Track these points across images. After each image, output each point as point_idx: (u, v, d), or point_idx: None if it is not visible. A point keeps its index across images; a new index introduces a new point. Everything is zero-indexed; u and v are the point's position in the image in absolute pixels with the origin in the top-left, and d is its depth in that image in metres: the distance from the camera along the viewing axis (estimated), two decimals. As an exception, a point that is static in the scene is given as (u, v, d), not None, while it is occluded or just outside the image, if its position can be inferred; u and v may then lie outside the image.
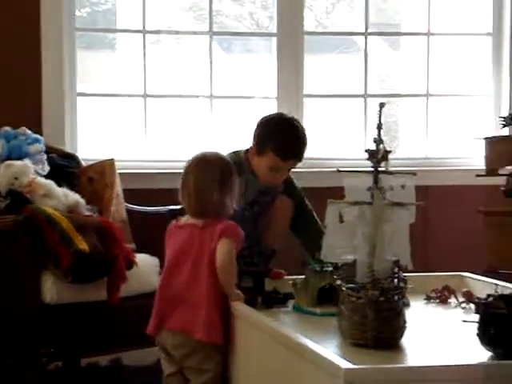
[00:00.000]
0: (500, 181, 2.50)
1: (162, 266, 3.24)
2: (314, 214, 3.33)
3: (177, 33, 4.61)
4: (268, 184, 3.20)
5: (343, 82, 5.07)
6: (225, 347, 2.62)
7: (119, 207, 3.60)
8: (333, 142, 4.83)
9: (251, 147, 3.21)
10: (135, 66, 4.21)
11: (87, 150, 4.12)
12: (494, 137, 2.51)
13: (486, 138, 2.39)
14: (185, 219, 2.70)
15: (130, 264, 3.22)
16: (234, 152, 3.30)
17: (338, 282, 2.39)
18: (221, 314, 2.61)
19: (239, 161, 3.21)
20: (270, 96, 4.24)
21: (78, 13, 4.19)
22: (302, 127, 3.24)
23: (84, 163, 3.80)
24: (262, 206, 3.27)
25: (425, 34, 4.38)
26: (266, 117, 3.31)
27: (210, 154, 2.76)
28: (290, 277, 2.94)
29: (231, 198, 2.69)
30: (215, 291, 2.60)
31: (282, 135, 3.15)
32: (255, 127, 3.23)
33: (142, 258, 3.29)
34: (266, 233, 3.26)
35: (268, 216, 3.27)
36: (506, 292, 2.25)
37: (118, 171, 3.66)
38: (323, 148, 4.43)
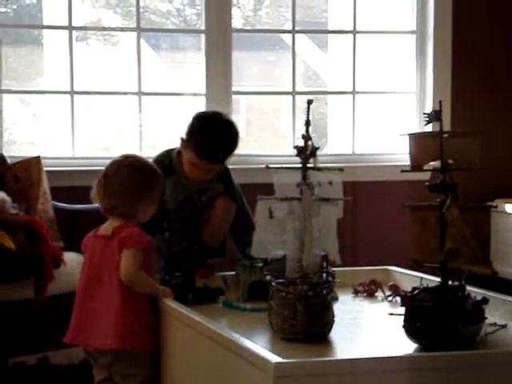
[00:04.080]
0: (425, 176, 2.55)
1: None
2: (251, 216, 3.30)
3: (104, 29, 4.57)
4: (191, 178, 3.18)
5: (271, 79, 5.10)
6: (151, 351, 2.61)
7: (46, 205, 3.55)
8: (262, 139, 4.85)
9: (181, 140, 3.19)
10: (62, 63, 4.16)
11: (13, 147, 4.05)
12: (419, 133, 2.56)
13: (410, 135, 2.44)
14: (103, 228, 2.69)
15: (58, 262, 3.19)
16: (166, 151, 3.27)
17: (268, 278, 2.41)
18: (140, 322, 2.58)
19: (170, 160, 3.20)
20: (198, 93, 4.24)
21: (3, 9, 4.11)
22: (232, 132, 3.18)
23: (10, 161, 3.74)
24: (198, 205, 3.25)
25: (351, 32, 4.43)
26: (201, 112, 3.30)
27: (133, 158, 2.76)
28: (221, 273, 2.94)
29: (148, 205, 2.67)
30: (129, 301, 2.57)
31: (204, 134, 3.12)
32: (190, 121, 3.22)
33: (69, 257, 3.26)
34: (203, 232, 3.23)
35: (207, 216, 3.24)
36: (431, 285, 2.30)
37: (45, 169, 3.61)
38: (252, 144, 4.45)
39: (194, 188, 3.22)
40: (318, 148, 2.39)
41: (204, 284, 2.84)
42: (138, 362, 2.60)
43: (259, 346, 2.07)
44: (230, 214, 3.24)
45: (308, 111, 2.40)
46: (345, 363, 1.99)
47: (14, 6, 4.17)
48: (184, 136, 3.18)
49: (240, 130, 3.28)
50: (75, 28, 4.16)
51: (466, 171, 2.34)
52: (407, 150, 2.43)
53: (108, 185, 2.64)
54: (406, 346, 2.22)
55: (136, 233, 2.61)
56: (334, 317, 2.36)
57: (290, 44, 4.37)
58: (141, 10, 4.21)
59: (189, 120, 3.22)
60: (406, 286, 2.73)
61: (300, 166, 2.38)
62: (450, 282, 2.28)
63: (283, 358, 1.95)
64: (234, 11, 4.36)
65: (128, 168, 2.67)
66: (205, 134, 3.12)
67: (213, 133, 3.13)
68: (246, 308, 2.70)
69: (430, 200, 2.34)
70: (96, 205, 3.17)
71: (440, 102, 2.39)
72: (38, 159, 3.61)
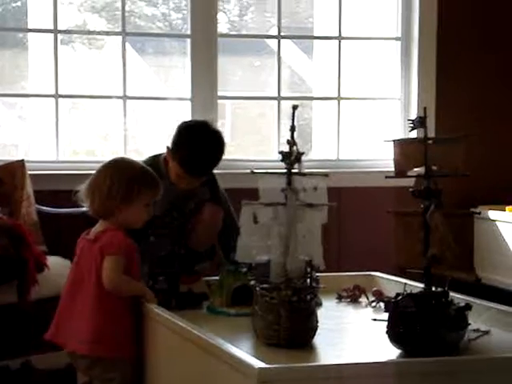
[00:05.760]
0: (409, 182, 2.56)
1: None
2: (237, 222, 3.30)
3: (89, 33, 4.56)
4: (180, 187, 3.18)
5: (257, 84, 5.11)
6: (128, 356, 2.61)
7: (30, 209, 3.54)
8: (247, 144, 4.86)
9: (167, 149, 3.18)
10: (47, 66, 4.15)
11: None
12: (403, 139, 2.57)
13: (395, 141, 2.45)
14: (92, 231, 2.68)
15: (41, 267, 3.17)
16: (153, 156, 3.25)
17: (252, 283, 2.41)
18: (116, 328, 2.58)
19: (157, 166, 3.17)
20: (184, 97, 4.23)
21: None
22: (218, 142, 3.14)
23: (-7, 164, 3.72)
24: (185, 211, 3.24)
25: (336, 38, 4.45)
26: (186, 122, 3.23)
27: (123, 162, 2.76)
28: (205, 278, 2.94)
29: (138, 208, 2.65)
30: (104, 307, 2.57)
31: (190, 149, 3.08)
32: (175, 130, 3.20)
33: (53, 261, 3.24)
34: (190, 238, 3.21)
35: (194, 222, 3.23)
36: (415, 291, 2.30)
37: (29, 172, 3.60)
38: (237, 149, 4.45)
39: (180, 194, 3.21)
40: (302, 153, 2.39)
41: (188, 289, 2.84)
42: (115, 367, 2.59)
43: (243, 351, 2.07)
44: (217, 220, 3.23)
45: (293, 117, 2.40)
46: (328, 368, 1.99)
47: (-1, 9, 4.16)
48: (170, 145, 3.17)
49: (225, 135, 3.28)
50: (60, 31, 4.15)
51: (450, 177, 2.35)
52: (392, 156, 2.44)
53: (97, 188, 2.63)
54: (389, 352, 2.23)
55: (117, 238, 2.60)
56: (317, 322, 2.36)
57: (276, 49, 4.38)
58: (126, 14, 4.21)
59: (174, 128, 3.19)
60: (390, 291, 2.73)
61: (285, 171, 2.38)
62: (433, 288, 2.28)
63: (267, 363, 1.94)
64: (220, 16, 4.36)
65: (118, 171, 2.66)
66: (192, 150, 3.07)
67: (200, 149, 3.09)
68: (229, 313, 2.69)
69: (414, 206, 2.35)
70: (81, 208, 3.17)
71: (424, 109, 2.40)
72: (21, 162, 3.60)
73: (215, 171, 3.32)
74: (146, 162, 3.22)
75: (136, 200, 2.65)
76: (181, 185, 3.15)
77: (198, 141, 3.11)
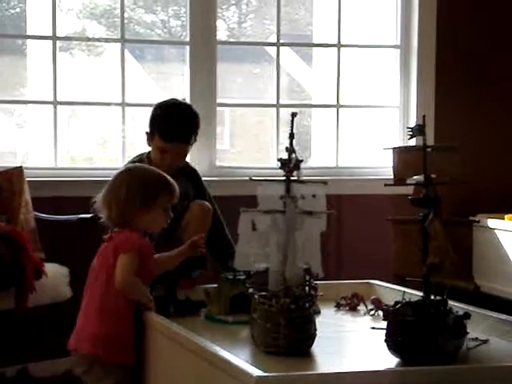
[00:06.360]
0: (408, 190, 2.56)
1: (71, 275, 3.21)
2: (225, 226, 3.34)
3: (88, 40, 4.56)
4: (162, 169, 3.20)
5: (255, 91, 5.11)
6: (127, 361, 2.59)
7: (28, 215, 3.53)
8: (246, 151, 4.85)
9: (146, 134, 3.26)
10: (46, 73, 4.14)
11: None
12: (402, 147, 2.57)
13: (394, 148, 2.45)
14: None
15: (39, 274, 3.17)
16: (137, 155, 3.37)
17: (251, 290, 2.41)
18: (118, 330, 2.56)
19: (140, 162, 3.25)
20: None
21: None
22: (192, 112, 3.35)
23: (-9, 171, 3.71)
24: (178, 211, 3.25)
25: (335, 46, 4.45)
26: (160, 102, 3.41)
27: (137, 169, 2.78)
28: (203, 285, 2.93)
29: (156, 214, 2.65)
30: (109, 308, 2.56)
31: (165, 117, 3.28)
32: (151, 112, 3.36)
33: (51, 268, 3.24)
34: (183, 239, 3.21)
35: (185, 222, 3.23)
36: (413, 299, 2.30)
37: (27, 179, 3.60)
38: (236, 156, 4.45)
39: None
40: (301, 161, 2.39)
41: (186, 296, 2.83)
42: (112, 372, 2.58)
43: (241, 360, 2.07)
44: (207, 215, 3.26)
45: (292, 124, 2.40)
46: (327, 377, 1.99)
47: (-2, 15, 4.16)
48: (148, 129, 3.29)
49: (224, 141, 3.31)
50: (59, 38, 4.14)
51: (448, 185, 2.35)
52: (391, 163, 2.43)
53: (114, 196, 2.63)
54: (387, 360, 2.22)
55: (132, 237, 2.60)
56: (316, 330, 2.35)
57: (275, 56, 4.38)
58: (125, 21, 4.21)
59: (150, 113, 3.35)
60: (389, 299, 2.72)
61: (283, 178, 2.37)
62: (432, 297, 2.28)
63: (265, 372, 1.94)
64: (219, 23, 4.36)
65: (133, 178, 2.67)
66: (168, 118, 3.28)
67: (175, 115, 3.30)
68: (227, 321, 2.69)
69: (413, 214, 2.35)
70: (79, 215, 3.17)
71: (423, 117, 2.40)
72: (20, 169, 3.60)
73: (213, 178, 3.33)
74: (131, 160, 3.32)
75: (154, 205, 2.65)
76: (164, 162, 3.20)
77: (173, 109, 3.33)
